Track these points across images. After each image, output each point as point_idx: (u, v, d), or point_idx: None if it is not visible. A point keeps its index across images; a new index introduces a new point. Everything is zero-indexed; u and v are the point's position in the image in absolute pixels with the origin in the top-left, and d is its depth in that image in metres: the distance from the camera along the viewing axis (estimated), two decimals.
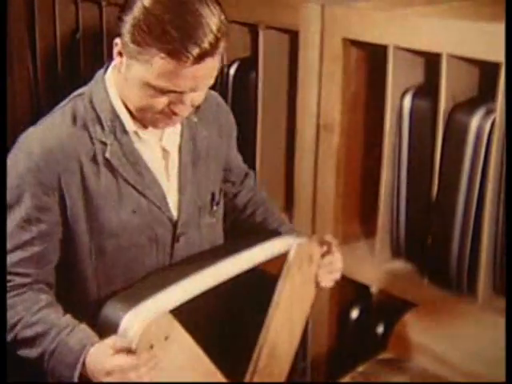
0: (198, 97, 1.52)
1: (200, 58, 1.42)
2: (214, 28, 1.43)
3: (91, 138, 1.56)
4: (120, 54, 1.49)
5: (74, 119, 1.56)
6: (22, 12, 3.15)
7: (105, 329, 1.52)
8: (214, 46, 1.43)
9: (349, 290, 2.20)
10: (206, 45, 1.41)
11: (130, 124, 1.58)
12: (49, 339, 1.52)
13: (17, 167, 1.53)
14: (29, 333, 1.52)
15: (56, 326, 1.53)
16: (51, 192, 1.53)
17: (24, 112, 3.15)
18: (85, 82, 1.64)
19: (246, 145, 2.38)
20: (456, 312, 1.82)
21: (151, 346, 1.48)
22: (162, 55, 1.41)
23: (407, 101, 1.96)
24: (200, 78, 1.46)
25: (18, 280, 1.55)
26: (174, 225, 1.66)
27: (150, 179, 1.61)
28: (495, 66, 1.72)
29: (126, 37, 1.44)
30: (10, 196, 1.53)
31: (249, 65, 2.35)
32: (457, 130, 1.84)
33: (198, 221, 1.71)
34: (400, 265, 2.09)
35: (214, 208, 1.75)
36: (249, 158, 2.37)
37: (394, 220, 2.05)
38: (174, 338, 1.51)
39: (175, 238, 1.67)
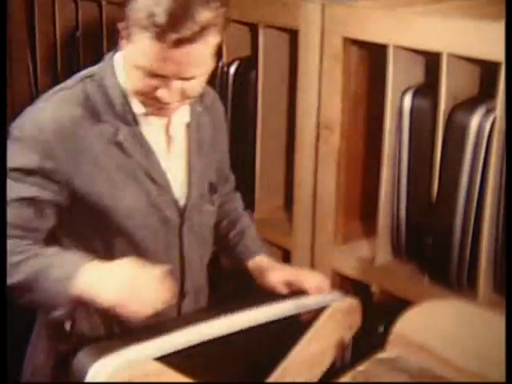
0: (190, 87, 1.57)
1: (178, 43, 1.48)
2: (200, 17, 1.48)
3: (103, 121, 1.61)
4: (121, 37, 1.57)
5: (87, 101, 1.62)
6: (21, 11, 3.15)
7: (74, 378, 1.55)
8: (195, 35, 1.48)
9: (349, 289, 2.20)
10: (185, 31, 1.47)
11: (138, 107, 1.63)
12: (41, 259, 1.56)
13: (25, 139, 1.57)
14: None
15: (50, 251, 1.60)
16: (60, 170, 1.58)
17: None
18: None
19: (246, 145, 2.39)
20: (456, 311, 1.82)
21: None
22: (147, 35, 1.48)
23: (407, 100, 1.96)
24: (182, 64, 1.51)
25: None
26: (179, 208, 1.71)
27: (155, 163, 1.66)
28: (495, 66, 1.72)
29: (126, 21, 1.52)
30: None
31: (249, 64, 2.34)
32: (457, 129, 1.84)
33: (200, 208, 1.76)
34: (400, 264, 2.09)
35: (214, 196, 1.80)
36: (249, 158, 2.38)
37: (394, 219, 2.05)
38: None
39: (184, 222, 1.72)
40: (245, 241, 1.90)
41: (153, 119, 1.66)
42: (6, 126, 1.57)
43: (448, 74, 1.83)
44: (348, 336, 1.87)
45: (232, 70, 2.36)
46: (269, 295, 1.79)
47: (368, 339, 2.03)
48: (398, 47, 1.90)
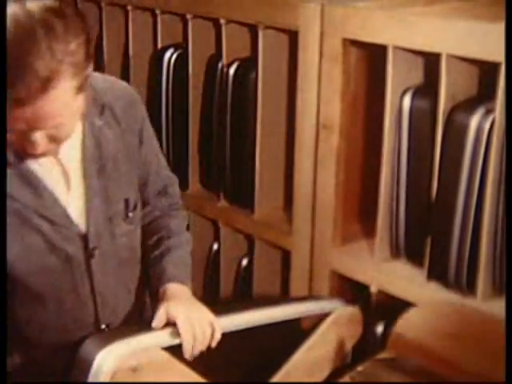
0: (58, 133, 1.40)
1: (18, 103, 1.28)
2: (42, 69, 1.27)
3: None
4: None
5: None
6: None
7: (80, 366, 1.55)
8: (37, 91, 1.28)
9: (348, 289, 2.20)
10: (21, 91, 1.26)
11: None
12: None
13: None
14: None
15: None
16: None
17: None
18: None
19: (246, 145, 2.39)
20: (456, 311, 1.82)
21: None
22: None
23: (407, 100, 1.96)
24: (33, 120, 1.32)
25: None
26: (85, 240, 1.59)
27: (49, 200, 1.53)
28: (495, 66, 1.72)
29: None
30: None
31: (248, 65, 2.35)
32: (456, 130, 1.84)
33: (112, 231, 1.64)
34: (399, 264, 2.09)
35: (130, 215, 1.67)
36: (249, 157, 2.38)
37: (394, 219, 2.05)
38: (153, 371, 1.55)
39: (89, 254, 1.60)
40: (163, 264, 1.74)
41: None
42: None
43: (447, 75, 1.83)
44: (349, 344, 1.87)
45: (232, 70, 2.36)
46: (270, 298, 1.79)
47: (368, 339, 2.03)
48: (397, 48, 1.90)
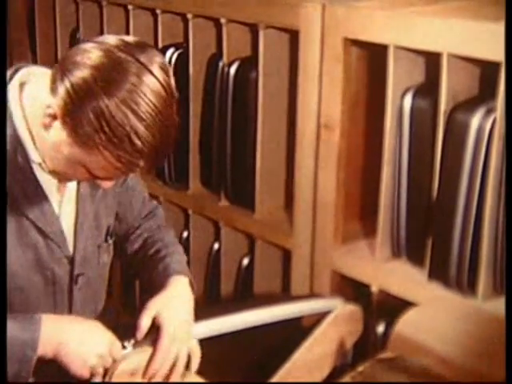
0: None
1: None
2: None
3: None
4: (54, 116, 1.30)
5: None
6: (21, 11, 3.15)
7: None
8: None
9: (349, 289, 2.20)
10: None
11: (34, 154, 1.41)
12: None
13: None
14: None
15: None
16: None
17: None
18: None
19: (247, 145, 2.39)
20: (456, 311, 1.82)
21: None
22: (111, 158, 1.28)
23: (407, 100, 1.96)
24: None
25: None
26: (72, 263, 1.54)
27: (50, 214, 1.47)
28: (495, 66, 1.72)
29: (79, 114, 1.24)
30: None
31: (249, 64, 2.35)
32: (457, 130, 1.84)
33: (98, 259, 1.61)
34: (400, 264, 2.09)
35: (109, 242, 1.64)
36: (249, 157, 2.38)
37: (395, 219, 2.05)
38: None
39: (73, 279, 1.55)
40: (166, 262, 1.69)
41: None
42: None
43: (448, 74, 1.83)
44: (349, 342, 1.87)
45: (232, 70, 2.36)
46: (270, 297, 1.80)
47: (368, 339, 2.03)
48: (398, 47, 1.90)
